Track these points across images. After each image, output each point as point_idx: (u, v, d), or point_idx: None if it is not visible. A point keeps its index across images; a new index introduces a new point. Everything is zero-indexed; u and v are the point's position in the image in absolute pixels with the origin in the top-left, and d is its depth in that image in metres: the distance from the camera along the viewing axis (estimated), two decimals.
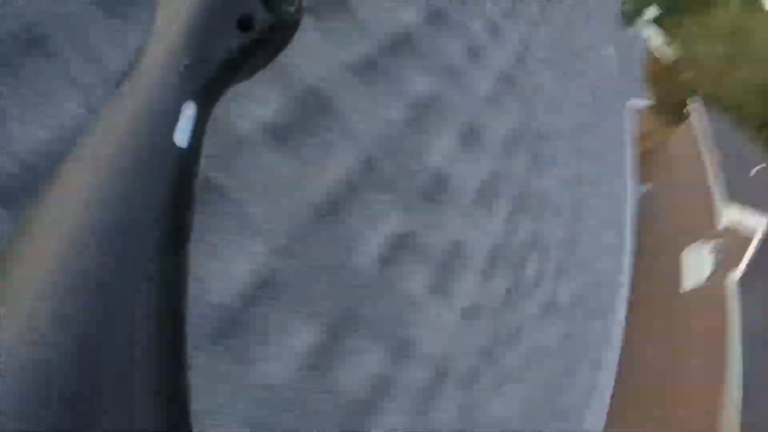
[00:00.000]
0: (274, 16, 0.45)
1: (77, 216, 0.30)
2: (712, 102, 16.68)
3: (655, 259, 12.58)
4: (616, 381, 5.72)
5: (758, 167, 13.08)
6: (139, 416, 0.26)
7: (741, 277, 10.05)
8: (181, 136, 0.36)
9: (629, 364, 11.72)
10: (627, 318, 6.56)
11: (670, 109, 18.10)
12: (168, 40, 0.41)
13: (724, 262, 10.88)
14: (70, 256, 0.28)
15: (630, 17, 19.64)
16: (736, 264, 10.34)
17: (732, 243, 11.04)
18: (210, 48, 0.42)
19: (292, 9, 0.48)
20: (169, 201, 0.34)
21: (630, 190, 7.02)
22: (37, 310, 0.26)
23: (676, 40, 22.48)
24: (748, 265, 10.21)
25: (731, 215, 11.48)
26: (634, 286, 11.70)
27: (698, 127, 14.61)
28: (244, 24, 0.44)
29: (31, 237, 0.30)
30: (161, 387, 0.28)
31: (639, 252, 13.63)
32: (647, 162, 15.86)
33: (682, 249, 12.11)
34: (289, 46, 0.51)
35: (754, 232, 10.75)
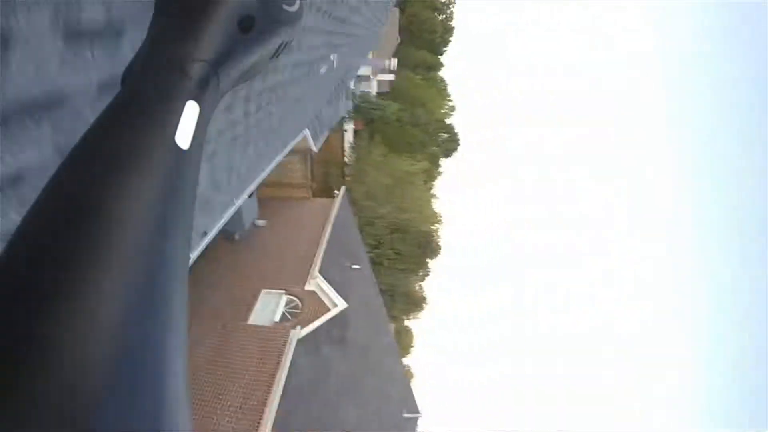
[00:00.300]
0: (275, 17, 0.45)
1: (80, 217, 0.29)
2: (353, 203, 18.83)
3: (245, 280, 11.87)
4: None
5: (355, 266, 14.34)
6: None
7: (303, 337, 9.95)
8: (183, 137, 0.36)
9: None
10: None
11: (322, 185, 19.44)
12: (169, 41, 0.41)
13: (294, 317, 10.85)
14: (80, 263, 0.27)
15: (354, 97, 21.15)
16: (304, 324, 10.34)
17: (308, 306, 11.19)
18: (211, 49, 0.41)
19: (292, 9, 0.47)
20: (170, 201, 0.33)
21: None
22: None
23: (359, 150, 25.22)
24: (313, 332, 10.34)
25: (319, 285, 11.77)
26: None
27: (334, 209, 15.56)
28: (245, 25, 0.43)
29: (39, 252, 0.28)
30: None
31: (237, 263, 13.02)
32: (281, 206, 15.91)
33: (266, 287, 11.72)
34: (289, 46, 0.50)
35: (330, 307, 11.17)
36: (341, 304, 11.31)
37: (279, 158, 7.28)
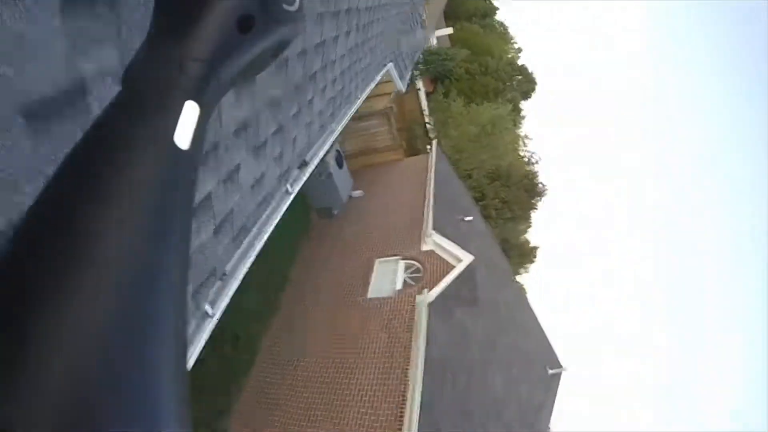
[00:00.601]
0: (274, 17, 0.44)
1: (78, 218, 0.29)
2: (446, 154, 17.47)
3: (354, 253, 10.81)
4: None
5: (467, 218, 12.89)
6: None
7: (432, 301, 8.61)
8: (182, 137, 0.35)
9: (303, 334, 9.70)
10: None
11: (408, 147, 18.15)
12: (168, 41, 0.40)
13: (418, 282, 9.60)
14: (75, 262, 0.27)
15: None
16: (429, 287, 9.02)
17: (430, 267, 9.88)
18: (210, 49, 0.40)
19: (292, 9, 0.46)
20: (169, 200, 0.33)
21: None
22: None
23: (437, 107, 23.74)
24: (442, 293, 8.97)
25: (437, 242, 10.42)
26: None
27: (432, 164, 14.17)
28: (244, 25, 0.42)
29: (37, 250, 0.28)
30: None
31: (342, 239, 12.09)
32: (374, 173, 14.75)
33: (379, 257, 10.58)
34: (290, 45, 0.47)
35: (455, 264, 9.78)
36: (466, 258, 9.88)
37: (369, 89, 5.98)
